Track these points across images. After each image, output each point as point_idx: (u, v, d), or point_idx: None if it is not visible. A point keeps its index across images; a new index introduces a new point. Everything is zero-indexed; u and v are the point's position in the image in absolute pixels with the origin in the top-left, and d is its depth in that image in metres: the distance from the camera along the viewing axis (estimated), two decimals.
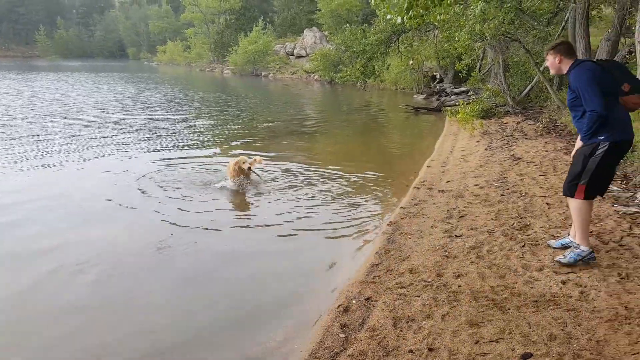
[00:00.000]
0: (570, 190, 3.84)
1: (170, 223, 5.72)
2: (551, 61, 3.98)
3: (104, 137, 11.21)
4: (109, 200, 6.57)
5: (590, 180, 3.73)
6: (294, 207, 6.41)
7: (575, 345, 2.79)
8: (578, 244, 3.92)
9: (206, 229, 5.59)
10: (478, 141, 10.30)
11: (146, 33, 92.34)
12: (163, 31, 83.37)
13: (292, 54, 47.37)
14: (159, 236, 5.33)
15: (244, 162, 7.07)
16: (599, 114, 3.56)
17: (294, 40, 49.53)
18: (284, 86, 34.83)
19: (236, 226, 5.87)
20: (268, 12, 60.54)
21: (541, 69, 12.40)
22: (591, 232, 4.47)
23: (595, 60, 3.98)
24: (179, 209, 6.24)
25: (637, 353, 2.64)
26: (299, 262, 4.85)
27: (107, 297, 4.14)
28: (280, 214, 6.15)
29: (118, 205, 6.36)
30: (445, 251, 4.51)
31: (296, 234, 5.51)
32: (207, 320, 3.78)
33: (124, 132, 12.04)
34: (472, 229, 5.06)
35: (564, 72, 3.92)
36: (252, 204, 6.71)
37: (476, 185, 6.78)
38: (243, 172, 7.14)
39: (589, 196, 3.80)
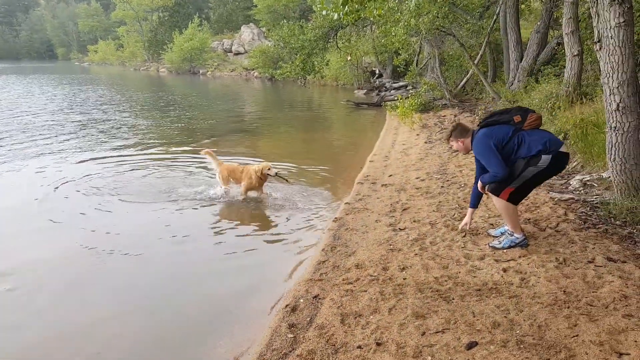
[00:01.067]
0: (496, 189, 3.95)
1: (112, 232, 5.40)
2: (456, 146, 4.25)
3: (41, 143, 10.49)
4: (48, 210, 6.12)
5: (519, 186, 3.88)
6: (239, 207, 6.23)
7: (518, 332, 2.84)
8: (512, 231, 4.06)
9: (151, 237, 5.31)
10: (418, 135, 10.50)
11: (75, 32, 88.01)
12: (93, 30, 79.73)
13: (230, 51, 46.62)
14: (99, 246, 4.99)
15: (269, 168, 6.27)
16: (502, 176, 3.83)
17: (231, 36, 48.75)
18: (223, 84, 34.16)
19: (181, 230, 5.55)
20: (203, 9, 59.24)
21: (475, 62, 12.83)
22: (528, 219, 4.63)
23: (480, 122, 4.20)
24: (119, 216, 5.94)
25: (576, 336, 2.72)
26: (244, 265, 4.66)
27: (38, 311, 3.82)
28: (224, 216, 5.96)
29: (53, 213, 5.95)
30: (390, 245, 4.52)
31: (241, 236, 5.34)
32: (149, 331, 3.58)
33: (63, 137, 11.31)
34: (415, 221, 5.11)
35: (471, 148, 4.16)
36: (196, 208, 6.32)
37: (417, 178, 6.88)
38: (264, 181, 6.44)
39: (511, 200, 3.94)
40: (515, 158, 3.85)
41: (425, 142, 9.51)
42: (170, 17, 55.40)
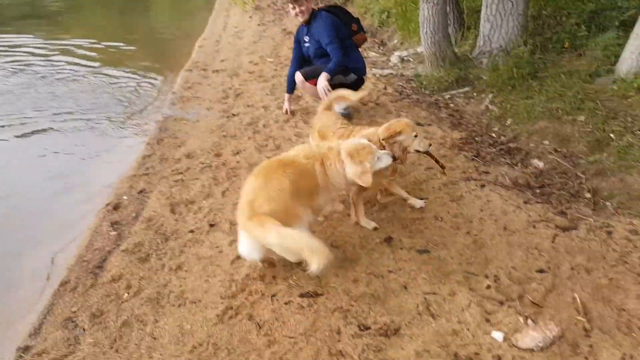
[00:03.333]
0: (308, 75, 4.15)
1: None
2: (305, 7, 4.12)
3: None
4: None
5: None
6: (50, 103, 5.40)
7: None
8: None
9: None
10: (251, 17, 10.04)
11: None
12: None
13: None
14: None
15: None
16: (341, 58, 3.99)
17: None
18: None
19: None
20: None
21: None
22: None
23: (325, 7, 4.23)
24: None
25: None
26: (59, 167, 4.14)
27: None
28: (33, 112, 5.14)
29: None
30: (223, 131, 4.42)
31: (55, 131, 4.74)
32: None
33: None
34: (248, 106, 5.02)
35: (312, 19, 4.13)
36: None
37: (251, 62, 6.66)
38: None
39: None
40: None
41: (259, 25, 9.14)
42: None
